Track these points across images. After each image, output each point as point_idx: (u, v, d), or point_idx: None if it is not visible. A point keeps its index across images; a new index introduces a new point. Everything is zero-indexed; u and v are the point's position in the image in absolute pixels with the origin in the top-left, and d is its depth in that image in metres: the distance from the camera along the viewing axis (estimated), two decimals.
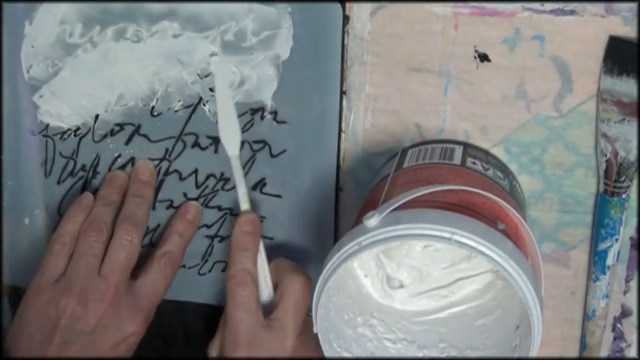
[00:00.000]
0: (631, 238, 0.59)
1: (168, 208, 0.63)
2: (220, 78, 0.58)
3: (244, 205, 0.59)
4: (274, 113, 0.59)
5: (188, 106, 0.59)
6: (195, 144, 0.61)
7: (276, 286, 0.58)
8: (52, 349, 0.54)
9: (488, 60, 0.55)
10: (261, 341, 0.54)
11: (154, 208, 0.63)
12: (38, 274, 0.57)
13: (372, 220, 0.46)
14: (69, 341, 0.54)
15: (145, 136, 0.61)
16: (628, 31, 0.53)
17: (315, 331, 0.50)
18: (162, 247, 0.59)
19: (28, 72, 0.60)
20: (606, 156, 0.55)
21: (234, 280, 0.55)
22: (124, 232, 0.58)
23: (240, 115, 0.59)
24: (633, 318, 0.61)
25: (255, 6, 0.56)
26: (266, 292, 0.58)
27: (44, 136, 0.62)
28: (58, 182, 0.63)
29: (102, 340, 0.55)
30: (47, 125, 0.61)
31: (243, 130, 0.59)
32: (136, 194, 0.60)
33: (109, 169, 0.62)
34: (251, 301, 0.55)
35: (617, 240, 0.57)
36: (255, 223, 0.58)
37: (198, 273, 0.65)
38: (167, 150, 0.61)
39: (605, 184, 0.56)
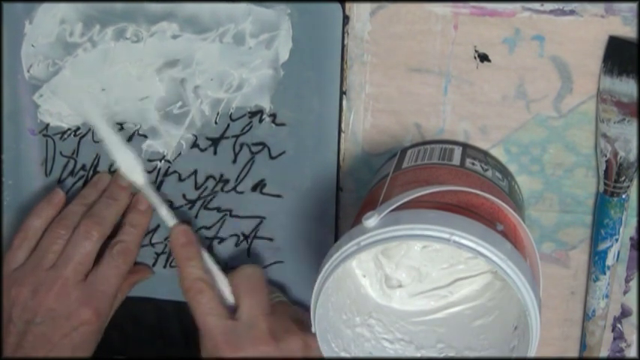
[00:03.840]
0: (631, 238, 0.58)
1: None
2: (93, 116, 0.59)
3: (171, 222, 0.60)
4: (273, 115, 0.59)
5: (187, 107, 0.60)
6: (195, 145, 0.61)
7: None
8: (11, 339, 0.56)
9: (488, 60, 0.55)
10: (239, 336, 0.55)
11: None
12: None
13: (371, 221, 0.46)
14: (21, 331, 0.56)
15: (144, 136, 0.61)
16: (628, 31, 0.53)
17: (313, 331, 0.50)
18: (115, 238, 0.60)
19: (28, 71, 0.60)
20: (606, 156, 0.55)
21: (191, 292, 0.57)
22: (83, 227, 0.58)
23: (238, 118, 0.59)
24: (633, 318, 0.61)
25: (254, 8, 0.56)
26: (226, 292, 0.58)
27: (44, 135, 0.62)
28: (59, 181, 0.63)
29: (52, 330, 0.56)
30: (47, 125, 0.61)
31: (242, 132, 0.60)
32: (110, 196, 0.61)
33: (109, 170, 0.62)
34: (214, 304, 0.56)
35: (616, 240, 0.57)
36: (187, 232, 0.59)
37: None
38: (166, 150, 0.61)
39: (605, 184, 0.56)
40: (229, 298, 0.58)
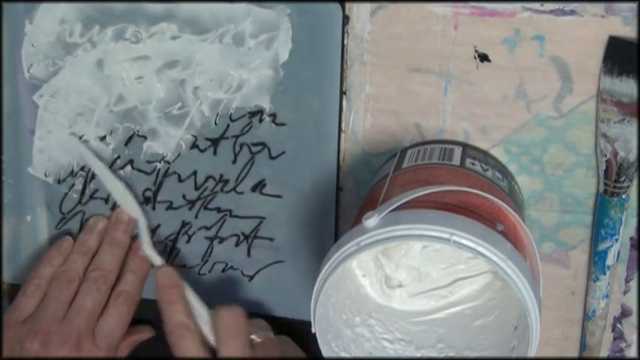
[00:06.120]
0: (631, 238, 0.58)
1: (167, 209, 0.63)
2: (88, 157, 0.61)
3: (157, 262, 0.61)
4: (273, 116, 0.59)
5: (186, 108, 0.60)
6: (194, 146, 0.61)
7: None
8: None
9: (488, 60, 0.55)
10: None
11: (154, 208, 0.63)
12: (10, 310, 0.60)
13: (371, 221, 0.46)
14: None
15: (144, 137, 0.61)
16: (628, 31, 0.53)
17: (313, 331, 0.50)
18: (118, 287, 0.61)
19: (28, 71, 0.60)
20: (606, 156, 0.55)
21: (173, 336, 0.57)
22: (92, 280, 0.60)
23: (238, 119, 0.59)
24: (633, 318, 0.61)
25: (254, 8, 0.56)
26: (207, 331, 0.58)
27: None
28: (59, 182, 0.63)
29: None
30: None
31: (242, 132, 0.60)
32: (110, 242, 0.62)
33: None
34: (194, 349, 0.57)
35: (617, 240, 0.57)
36: (171, 275, 0.60)
37: (199, 273, 0.65)
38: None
39: (605, 184, 0.56)
40: (210, 337, 0.58)
